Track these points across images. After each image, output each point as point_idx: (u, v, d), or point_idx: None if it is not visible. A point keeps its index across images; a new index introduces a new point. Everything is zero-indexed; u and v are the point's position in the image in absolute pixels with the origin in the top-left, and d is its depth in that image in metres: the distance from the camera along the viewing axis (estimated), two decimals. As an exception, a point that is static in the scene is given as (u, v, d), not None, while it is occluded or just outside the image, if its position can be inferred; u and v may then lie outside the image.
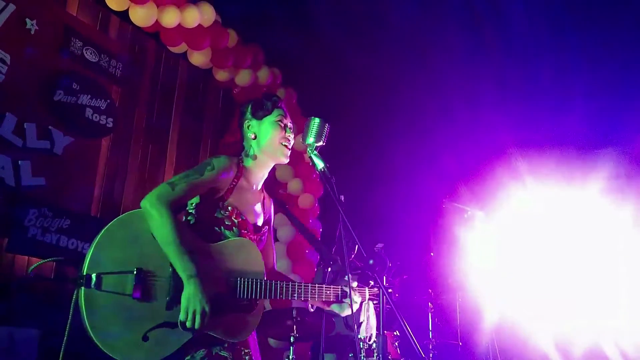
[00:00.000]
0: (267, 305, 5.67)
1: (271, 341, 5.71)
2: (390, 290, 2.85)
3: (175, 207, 2.55)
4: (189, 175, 2.62)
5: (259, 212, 2.91)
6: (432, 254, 6.33)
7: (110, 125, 5.06)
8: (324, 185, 2.71)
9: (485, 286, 5.82)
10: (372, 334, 2.95)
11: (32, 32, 4.56)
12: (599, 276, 5.71)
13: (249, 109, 2.93)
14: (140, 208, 2.53)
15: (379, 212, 6.37)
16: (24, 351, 3.84)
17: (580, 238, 5.88)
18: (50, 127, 4.59)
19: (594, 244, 5.81)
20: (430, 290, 5.67)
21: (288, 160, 2.93)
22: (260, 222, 2.90)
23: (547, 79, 6.07)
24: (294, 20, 6.05)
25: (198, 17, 5.42)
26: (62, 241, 4.53)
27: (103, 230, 2.44)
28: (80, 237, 4.63)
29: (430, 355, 5.30)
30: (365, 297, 2.94)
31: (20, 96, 4.45)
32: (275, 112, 2.90)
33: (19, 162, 4.34)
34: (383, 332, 2.63)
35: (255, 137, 2.87)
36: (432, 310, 5.57)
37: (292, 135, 2.92)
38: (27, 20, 4.53)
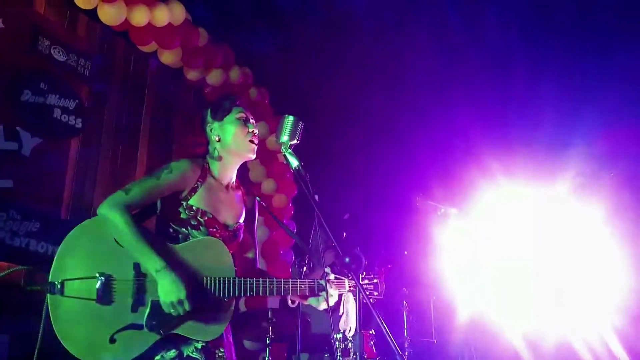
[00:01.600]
0: (242, 306, 5.63)
1: (247, 343, 5.66)
2: (376, 281, 2.84)
3: (132, 211, 2.58)
4: (144, 180, 2.67)
5: (233, 209, 2.90)
6: (405, 252, 6.36)
7: (79, 125, 4.97)
8: (298, 184, 2.70)
9: (459, 283, 5.86)
10: (351, 327, 2.90)
11: (-2, 31, 4.46)
12: (570, 273, 5.79)
13: (209, 112, 2.93)
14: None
15: (352, 210, 6.38)
16: (-7, 357, 3.77)
17: (551, 235, 5.94)
18: (17, 128, 4.49)
19: (565, 241, 5.88)
20: (404, 289, 5.70)
21: (255, 155, 2.93)
22: (234, 220, 2.88)
23: (518, 79, 6.15)
24: (265, 19, 6.03)
25: (168, 15, 5.36)
26: (32, 245, 4.42)
27: (66, 238, 2.51)
28: (50, 240, 4.52)
29: (406, 353, 5.32)
30: (345, 289, 2.89)
31: (-14, 97, 4.35)
32: (235, 110, 2.91)
33: (-15, 164, 4.24)
34: (360, 331, 2.62)
35: (220, 139, 2.87)
36: (407, 308, 5.60)
37: (256, 130, 2.92)
38: (-7, 18, 4.43)
